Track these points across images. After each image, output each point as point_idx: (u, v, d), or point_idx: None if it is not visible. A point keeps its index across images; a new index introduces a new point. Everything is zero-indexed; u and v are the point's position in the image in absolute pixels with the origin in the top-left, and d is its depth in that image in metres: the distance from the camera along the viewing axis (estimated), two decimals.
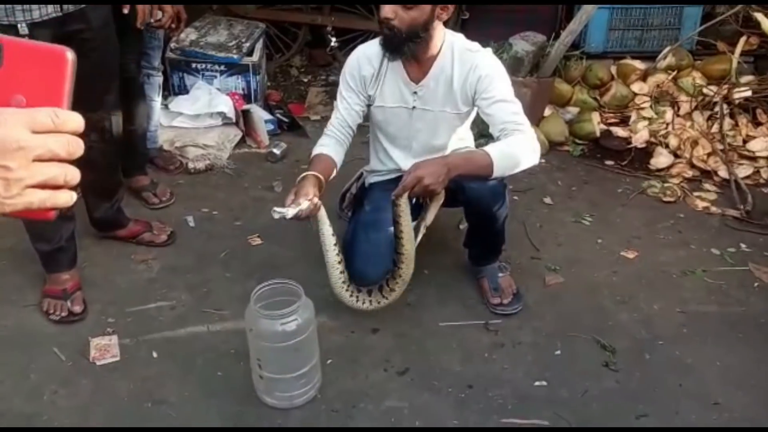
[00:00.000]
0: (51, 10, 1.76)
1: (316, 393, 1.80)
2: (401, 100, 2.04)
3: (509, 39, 3.13)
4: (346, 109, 2.06)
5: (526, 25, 3.30)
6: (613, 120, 3.28)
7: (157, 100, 2.76)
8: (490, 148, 1.84)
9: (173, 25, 2.61)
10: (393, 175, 2.17)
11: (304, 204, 1.72)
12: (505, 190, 2.02)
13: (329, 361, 1.92)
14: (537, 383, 1.89)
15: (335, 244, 1.89)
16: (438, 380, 1.89)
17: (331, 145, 2.03)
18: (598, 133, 3.18)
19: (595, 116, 3.23)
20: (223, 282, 2.23)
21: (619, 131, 3.20)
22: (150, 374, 1.87)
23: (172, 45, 3.17)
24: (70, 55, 0.53)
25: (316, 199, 1.77)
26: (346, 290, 1.94)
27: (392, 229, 1.90)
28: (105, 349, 1.94)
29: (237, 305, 2.08)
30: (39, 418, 1.72)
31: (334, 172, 2.01)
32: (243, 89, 3.24)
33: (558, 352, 2.01)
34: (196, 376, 1.87)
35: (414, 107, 2.04)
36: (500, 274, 2.17)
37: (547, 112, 3.25)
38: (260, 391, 1.78)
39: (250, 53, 3.24)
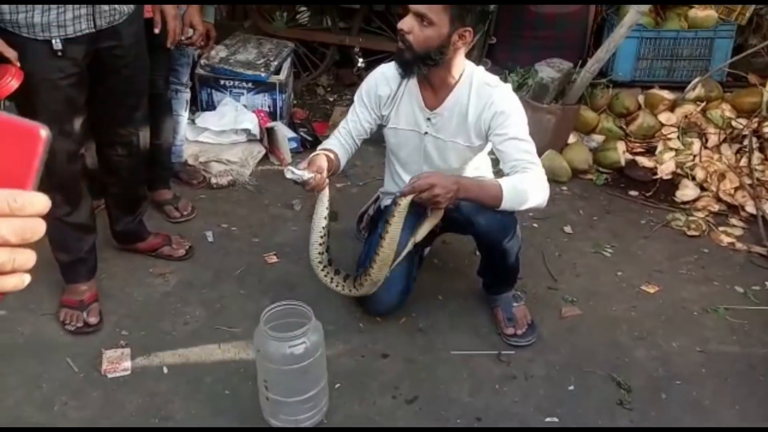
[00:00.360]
0: (84, 27, 1.80)
1: (322, 417, 1.79)
2: (414, 124, 2.05)
3: (535, 65, 3.12)
4: (354, 122, 2.10)
5: (552, 51, 3.29)
6: (638, 150, 3.23)
7: (184, 116, 2.81)
8: (503, 181, 1.85)
9: (202, 43, 2.67)
10: None
11: (317, 175, 1.81)
12: (515, 224, 1.99)
13: (337, 386, 1.90)
14: (548, 419, 1.85)
15: (324, 227, 1.93)
16: (446, 410, 1.86)
17: (336, 146, 2.08)
18: (623, 163, 3.13)
19: (621, 145, 3.18)
20: (237, 299, 2.24)
21: (645, 161, 3.15)
22: (159, 390, 1.88)
23: (202, 62, 3.23)
24: (43, 132, 0.50)
25: (326, 174, 1.86)
26: (322, 270, 1.99)
27: (388, 233, 1.87)
28: (117, 361, 1.95)
29: (249, 323, 2.09)
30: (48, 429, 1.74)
31: (339, 169, 2.08)
32: (269, 107, 3.29)
33: (571, 387, 1.97)
34: (204, 393, 1.87)
35: (426, 132, 2.05)
36: (515, 304, 2.13)
37: (572, 139, 3.22)
38: (266, 413, 1.77)
39: (277, 72, 3.29)
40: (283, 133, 3.17)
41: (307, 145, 3.26)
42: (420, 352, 2.04)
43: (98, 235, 2.21)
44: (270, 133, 3.15)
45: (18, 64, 1.71)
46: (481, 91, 1.95)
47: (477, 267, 2.23)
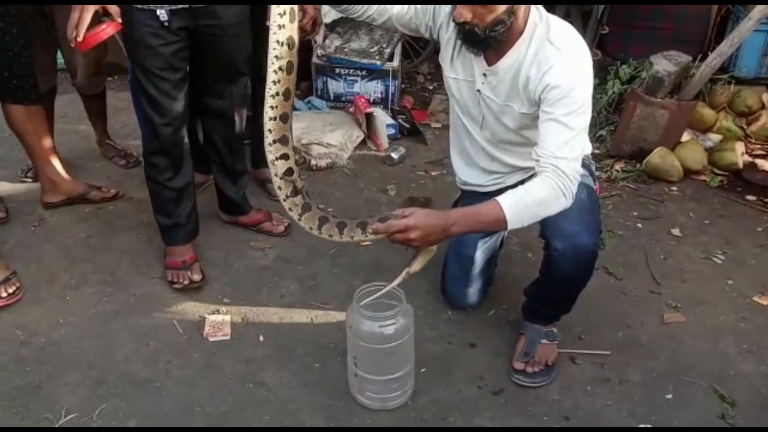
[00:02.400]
0: (180, 3, 1.92)
1: (407, 399, 1.81)
2: (471, 74, 1.79)
3: (650, 57, 2.96)
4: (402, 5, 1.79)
5: (670, 43, 3.11)
6: (759, 152, 3.00)
7: None
8: (505, 199, 1.55)
9: (309, 28, 2.73)
10: (483, 178, 2.01)
11: None
12: (594, 259, 1.74)
13: (423, 370, 1.91)
14: (642, 426, 1.77)
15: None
16: (533, 406, 1.82)
17: None
18: (741, 165, 2.92)
19: (740, 146, 2.97)
20: (330, 277, 2.29)
21: (766, 165, 2.93)
22: (255, 356, 1.97)
23: (319, 52, 3.36)
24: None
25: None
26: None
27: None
28: (218, 327, 2.06)
29: (340, 301, 2.14)
30: (153, 384, 1.86)
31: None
32: (381, 93, 3.41)
33: (669, 396, 1.87)
34: (295, 364, 1.94)
35: (479, 90, 1.80)
36: (543, 341, 1.91)
37: (686, 137, 3.04)
38: (354, 388, 1.81)
39: (390, 58, 3.35)
40: (382, 119, 3.21)
41: (405, 132, 3.28)
42: (508, 345, 2.00)
43: (197, 204, 2.31)
44: (369, 119, 3.20)
45: (118, 20, 1.93)
46: (541, 53, 1.63)
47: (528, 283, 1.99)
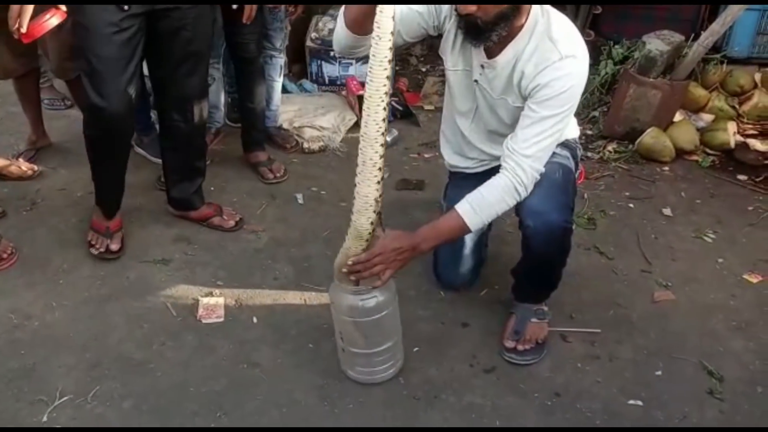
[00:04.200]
0: None
1: (396, 372, 1.83)
2: (469, 63, 1.79)
3: (643, 37, 2.96)
4: (406, 9, 1.73)
5: (664, 23, 3.11)
6: (751, 132, 3.01)
7: (279, 81, 2.88)
8: (463, 207, 1.67)
9: (291, 9, 2.71)
10: (469, 162, 2.03)
11: None
12: (568, 235, 1.77)
13: (416, 349, 1.93)
14: (631, 402, 1.80)
15: (387, 83, 1.42)
16: (524, 383, 1.84)
17: None
18: (732, 145, 2.93)
19: (732, 126, 2.98)
20: (323, 259, 2.30)
21: (758, 144, 2.94)
22: (248, 338, 1.98)
23: (313, 35, 3.32)
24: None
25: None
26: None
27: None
28: (212, 309, 2.07)
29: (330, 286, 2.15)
30: (147, 366, 1.88)
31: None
32: None
33: (659, 372, 1.89)
34: (289, 344, 1.95)
35: (476, 81, 1.80)
36: (533, 320, 1.93)
37: (678, 117, 3.04)
38: (343, 364, 1.84)
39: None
40: None
41: (398, 114, 3.27)
42: (500, 324, 2.02)
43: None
44: (361, 101, 3.18)
45: (62, 7, 1.83)
46: (540, 50, 1.63)
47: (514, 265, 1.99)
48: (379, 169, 1.50)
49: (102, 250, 2.24)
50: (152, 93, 2.44)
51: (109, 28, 1.86)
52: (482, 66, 1.76)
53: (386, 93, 1.42)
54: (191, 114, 2.20)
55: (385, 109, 1.43)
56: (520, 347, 1.91)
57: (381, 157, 1.48)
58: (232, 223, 2.45)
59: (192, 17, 2.00)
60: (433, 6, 1.73)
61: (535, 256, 1.81)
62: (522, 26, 1.65)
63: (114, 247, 2.25)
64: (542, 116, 1.64)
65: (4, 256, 2.19)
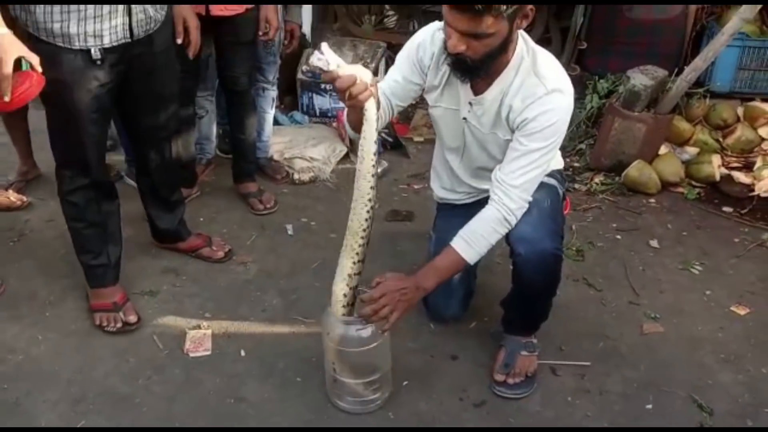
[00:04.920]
0: (121, 37, 1.79)
1: (384, 402, 1.83)
2: (456, 102, 1.82)
3: (627, 71, 3.02)
4: (394, 81, 1.83)
5: (646, 58, 3.16)
6: (735, 164, 3.06)
7: (270, 113, 2.91)
8: (458, 243, 1.72)
9: (285, 42, 2.75)
10: (458, 195, 2.08)
11: (360, 71, 1.49)
12: (558, 262, 1.78)
13: (405, 383, 1.91)
14: None
15: (375, 153, 1.58)
16: (514, 418, 1.83)
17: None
18: (717, 177, 2.98)
19: (716, 159, 3.03)
20: (312, 291, 2.29)
21: (742, 177, 2.98)
22: (236, 371, 1.96)
23: (304, 68, 3.37)
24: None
25: (374, 81, 1.54)
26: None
27: None
28: (199, 342, 2.05)
29: (322, 315, 2.14)
30: (132, 400, 1.85)
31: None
32: None
33: (649, 406, 1.89)
34: (277, 378, 1.93)
35: (465, 118, 1.82)
36: (523, 353, 1.92)
37: (663, 150, 3.09)
38: (331, 394, 1.83)
39: (375, 73, 3.37)
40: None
41: (388, 146, 3.30)
42: (490, 357, 2.01)
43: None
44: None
45: (40, 70, 1.66)
46: (526, 85, 1.67)
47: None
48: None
49: (119, 325, 2.07)
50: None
51: (87, 82, 1.80)
52: (470, 103, 1.79)
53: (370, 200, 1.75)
54: (168, 152, 2.19)
55: (368, 211, 1.78)
56: (510, 381, 1.90)
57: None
58: (221, 254, 2.44)
59: (162, 61, 1.96)
60: (414, 63, 1.80)
61: (526, 285, 1.82)
62: (508, 62, 1.69)
63: (132, 318, 2.08)
64: (530, 149, 1.69)
65: None
